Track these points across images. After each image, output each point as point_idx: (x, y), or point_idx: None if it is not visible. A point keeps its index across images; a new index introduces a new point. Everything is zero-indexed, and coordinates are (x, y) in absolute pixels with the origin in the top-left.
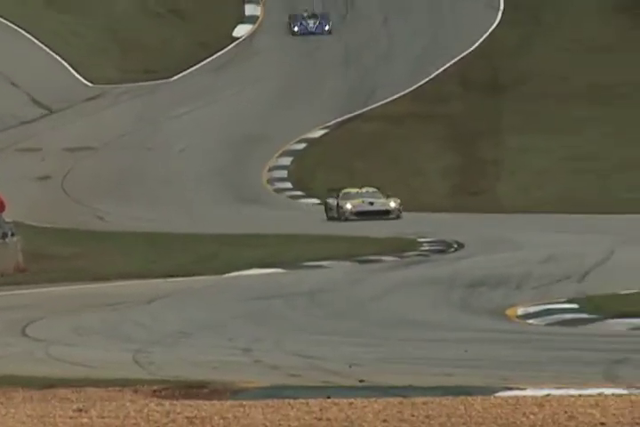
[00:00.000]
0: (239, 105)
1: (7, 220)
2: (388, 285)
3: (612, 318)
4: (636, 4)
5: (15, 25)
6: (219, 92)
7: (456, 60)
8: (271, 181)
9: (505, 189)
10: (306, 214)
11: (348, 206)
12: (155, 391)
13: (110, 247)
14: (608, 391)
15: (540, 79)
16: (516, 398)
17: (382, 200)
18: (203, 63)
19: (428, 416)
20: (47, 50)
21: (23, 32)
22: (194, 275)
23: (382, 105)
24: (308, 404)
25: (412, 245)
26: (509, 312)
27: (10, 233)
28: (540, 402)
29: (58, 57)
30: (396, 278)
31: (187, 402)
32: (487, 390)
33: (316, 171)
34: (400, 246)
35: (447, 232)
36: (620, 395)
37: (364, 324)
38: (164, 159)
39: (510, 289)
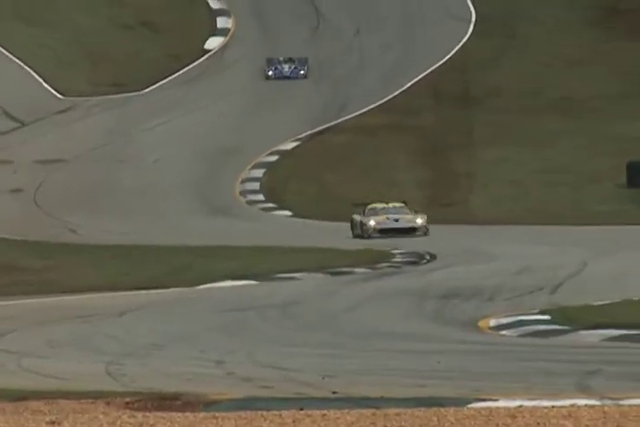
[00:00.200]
0: (211, 117)
1: None
2: (361, 296)
3: (585, 329)
4: (609, 18)
5: None
6: (191, 104)
7: (428, 72)
8: (243, 193)
9: (478, 201)
10: (278, 226)
11: (372, 223)
12: (127, 403)
13: (82, 260)
14: (581, 402)
15: (513, 92)
16: (489, 409)
17: (409, 216)
18: (174, 76)
19: None
20: (19, 63)
21: None
22: (167, 287)
23: (354, 117)
24: (280, 415)
25: (384, 256)
26: (482, 323)
27: None
28: (513, 413)
29: (29, 70)
30: (368, 290)
31: (159, 414)
32: (460, 402)
33: (288, 183)
34: (372, 258)
35: (420, 244)
36: (593, 406)
37: (337, 335)
38: (136, 172)
39: (483, 300)
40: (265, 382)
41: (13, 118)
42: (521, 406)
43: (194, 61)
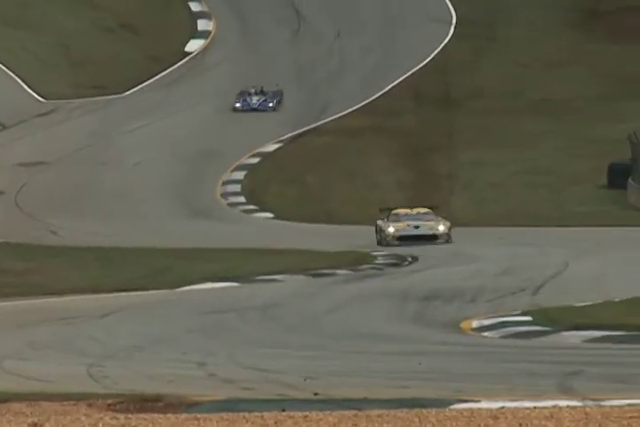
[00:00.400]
0: (192, 120)
1: None
2: (343, 298)
3: (567, 330)
4: (589, 20)
5: None
6: (171, 107)
7: (409, 74)
8: (225, 195)
9: (459, 202)
10: (259, 228)
11: (391, 230)
12: (109, 405)
13: (64, 262)
14: (562, 403)
15: (493, 93)
16: (471, 410)
17: (430, 223)
18: (155, 78)
19: None
20: (0, 66)
21: None
22: (147, 289)
23: (336, 119)
24: (262, 417)
25: (365, 258)
26: (464, 325)
27: None
28: (495, 414)
29: (10, 73)
30: (350, 292)
31: (141, 416)
32: (442, 403)
33: (269, 185)
34: (354, 260)
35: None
36: (575, 407)
37: (319, 337)
38: (117, 174)
39: (465, 302)
40: (247, 384)
41: None
42: (503, 408)
43: (174, 64)
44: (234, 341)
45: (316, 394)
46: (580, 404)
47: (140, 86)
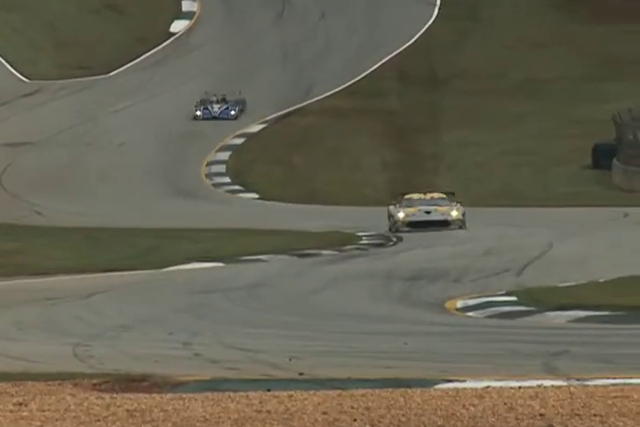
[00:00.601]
0: (178, 100)
1: None
2: (328, 278)
3: (551, 310)
4: (573, 0)
5: None
6: (156, 87)
7: (393, 55)
8: (210, 175)
9: (443, 183)
10: (244, 209)
11: (401, 215)
12: (95, 385)
13: (49, 242)
14: (547, 383)
15: (477, 74)
16: (456, 390)
17: (443, 208)
18: (140, 59)
19: (367, 408)
20: None
21: None
22: (133, 269)
23: (320, 100)
24: (247, 397)
25: (350, 239)
26: (449, 305)
27: None
28: (480, 394)
29: None
30: (335, 272)
31: (127, 395)
32: (427, 383)
33: (254, 165)
34: (339, 240)
35: (386, 226)
36: (560, 386)
37: (304, 317)
38: (102, 154)
39: (449, 282)
40: (232, 364)
41: None
42: (488, 387)
43: (159, 45)
44: (219, 321)
45: (300, 374)
46: (564, 383)
47: (124, 67)
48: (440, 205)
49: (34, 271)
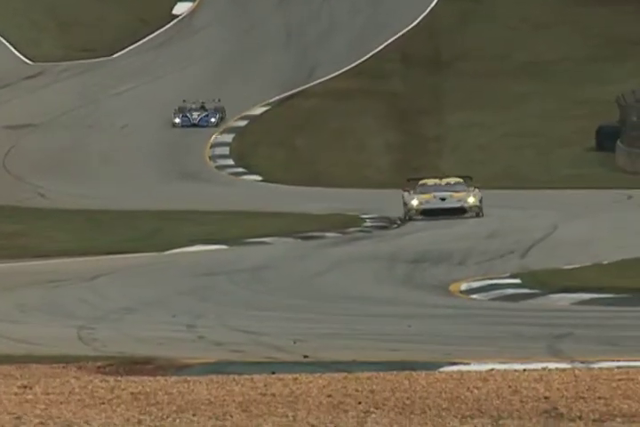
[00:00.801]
0: (180, 82)
1: None
2: (331, 260)
3: (555, 292)
4: None
5: None
6: (159, 69)
7: (397, 36)
8: (213, 157)
9: (447, 165)
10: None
11: (414, 203)
12: (99, 368)
13: (52, 224)
14: (552, 366)
15: (481, 56)
16: (461, 372)
17: (459, 194)
18: (143, 41)
19: (372, 391)
20: None
21: None
22: (137, 251)
23: (323, 81)
24: (252, 379)
25: (354, 221)
26: (453, 287)
27: None
28: (484, 377)
29: None
30: (339, 254)
31: (131, 378)
32: (431, 365)
33: (257, 147)
34: (343, 223)
35: (390, 208)
36: (564, 369)
37: (308, 299)
38: (105, 136)
39: (453, 264)
40: (236, 347)
41: None
42: (492, 370)
43: (162, 27)
44: (223, 303)
45: (305, 357)
46: (569, 366)
47: (127, 49)
48: (456, 191)
49: (36, 254)
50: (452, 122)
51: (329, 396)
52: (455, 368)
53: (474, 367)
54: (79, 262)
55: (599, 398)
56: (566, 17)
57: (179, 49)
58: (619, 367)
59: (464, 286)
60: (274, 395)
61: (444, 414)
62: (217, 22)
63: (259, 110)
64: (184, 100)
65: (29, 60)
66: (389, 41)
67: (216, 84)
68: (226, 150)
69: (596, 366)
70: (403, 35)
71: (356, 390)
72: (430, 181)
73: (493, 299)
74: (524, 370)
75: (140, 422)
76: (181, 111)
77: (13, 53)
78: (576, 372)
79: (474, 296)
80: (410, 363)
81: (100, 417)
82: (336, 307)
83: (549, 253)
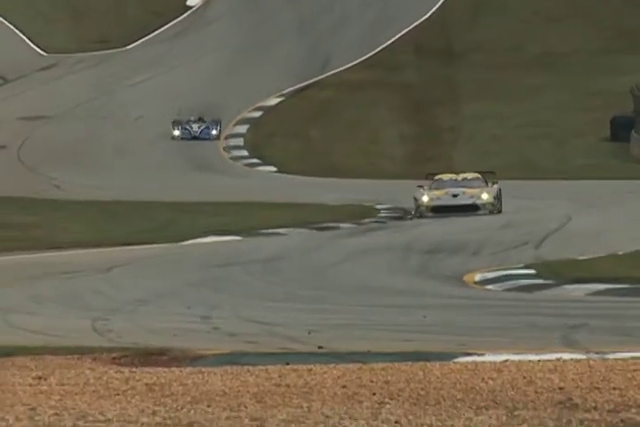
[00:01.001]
0: (194, 73)
1: None
2: (346, 251)
3: (570, 283)
4: None
5: None
6: (173, 61)
7: (410, 28)
8: (227, 148)
9: (461, 156)
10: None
11: (425, 199)
12: (114, 359)
13: (67, 216)
14: (566, 356)
15: (494, 48)
16: (475, 363)
17: (472, 191)
18: (157, 32)
19: (387, 382)
20: (1, 20)
21: None
22: (151, 243)
23: (337, 73)
24: (267, 370)
25: (369, 212)
26: (467, 278)
27: None
28: (499, 367)
29: (12, 26)
30: (353, 245)
31: (146, 369)
32: (446, 356)
33: (272, 138)
34: (357, 213)
35: (405, 199)
36: (579, 360)
37: (323, 290)
38: (119, 128)
39: (468, 255)
40: (250, 338)
41: None
42: (507, 361)
43: (176, 18)
44: (238, 294)
45: (320, 347)
46: (583, 357)
47: (142, 40)
48: (471, 187)
49: (51, 245)
50: (466, 113)
51: (343, 387)
52: (470, 359)
53: (488, 358)
54: (93, 254)
55: (614, 388)
56: (578, 9)
57: (192, 40)
58: (633, 358)
59: (478, 277)
60: (288, 386)
61: (458, 404)
62: (230, 13)
63: (273, 101)
64: (178, 113)
65: (43, 51)
66: (402, 33)
67: (230, 75)
68: (240, 141)
69: (610, 356)
70: (415, 27)
71: (371, 381)
72: (446, 176)
73: (508, 289)
74: (539, 361)
75: (154, 413)
76: (179, 124)
77: (28, 45)
78: (591, 362)
79: (488, 287)
80: (424, 354)
81: (115, 408)
82: (350, 298)
83: (564, 244)
